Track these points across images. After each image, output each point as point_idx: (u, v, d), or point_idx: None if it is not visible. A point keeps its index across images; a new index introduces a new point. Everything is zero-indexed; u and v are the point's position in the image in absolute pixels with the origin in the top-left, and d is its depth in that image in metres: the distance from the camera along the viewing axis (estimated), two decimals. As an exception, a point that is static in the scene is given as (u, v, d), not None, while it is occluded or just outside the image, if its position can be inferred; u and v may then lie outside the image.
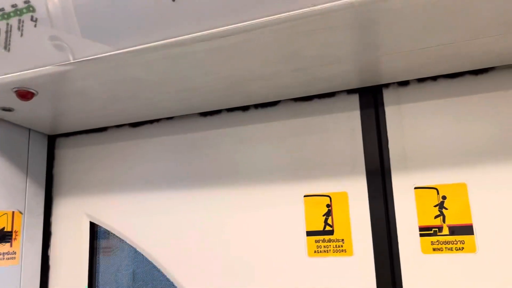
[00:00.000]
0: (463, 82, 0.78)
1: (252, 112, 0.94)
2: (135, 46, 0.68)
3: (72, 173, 1.10)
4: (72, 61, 0.72)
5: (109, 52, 0.70)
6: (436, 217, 0.77)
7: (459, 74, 0.78)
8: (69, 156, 1.11)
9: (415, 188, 0.79)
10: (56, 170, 1.12)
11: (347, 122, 0.85)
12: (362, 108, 0.85)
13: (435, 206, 0.77)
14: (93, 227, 1.07)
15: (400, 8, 0.57)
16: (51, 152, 1.13)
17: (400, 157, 0.80)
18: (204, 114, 0.98)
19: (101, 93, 0.85)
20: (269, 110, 0.93)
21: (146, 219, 0.99)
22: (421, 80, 0.81)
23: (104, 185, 1.06)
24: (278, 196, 0.89)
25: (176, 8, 0.63)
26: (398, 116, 0.82)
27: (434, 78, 0.80)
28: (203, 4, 0.61)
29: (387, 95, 0.83)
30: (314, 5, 0.57)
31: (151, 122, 1.03)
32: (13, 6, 0.74)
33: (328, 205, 0.84)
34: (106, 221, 1.04)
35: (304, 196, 0.86)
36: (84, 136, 1.10)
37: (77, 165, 1.10)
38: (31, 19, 0.71)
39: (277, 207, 0.88)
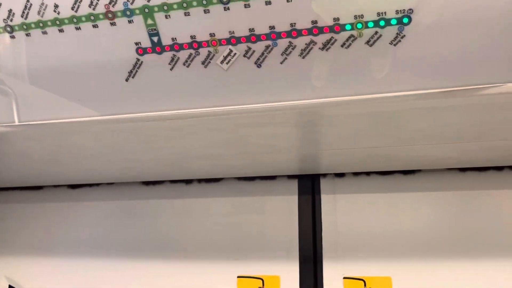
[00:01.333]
0: (393, 180, 0.84)
1: (194, 186, 0.95)
2: (84, 117, 0.69)
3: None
4: (17, 124, 0.71)
5: (56, 119, 0.70)
6: (362, 308, 0.80)
7: (389, 172, 0.84)
8: (-2, 212, 1.06)
9: (344, 278, 0.81)
10: (-19, 226, 1.05)
11: (286, 206, 0.88)
12: (300, 193, 0.88)
13: (361, 297, 0.80)
14: (12, 291, 1.00)
15: (337, 115, 0.63)
16: (-22, 206, 1.07)
17: (332, 246, 0.83)
18: (147, 183, 0.98)
19: (43, 155, 0.83)
20: (212, 185, 0.94)
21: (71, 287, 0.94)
22: (356, 174, 0.86)
23: (31, 246, 1.01)
24: (212, 274, 0.88)
25: (129, 88, 0.65)
26: (332, 206, 0.86)
27: (368, 173, 0.86)
28: (155, 88, 0.64)
29: (324, 184, 0.88)
30: (261, 103, 0.62)
31: (90, 185, 1.02)
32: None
33: (260, 288, 0.85)
34: (26, 287, 0.98)
35: (238, 276, 0.86)
36: (17, 192, 1.06)
37: (5, 222, 1.04)
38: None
39: (210, 286, 0.87)
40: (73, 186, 1.02)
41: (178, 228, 0.93)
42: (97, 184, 1.01)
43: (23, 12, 0.60)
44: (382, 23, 0.52)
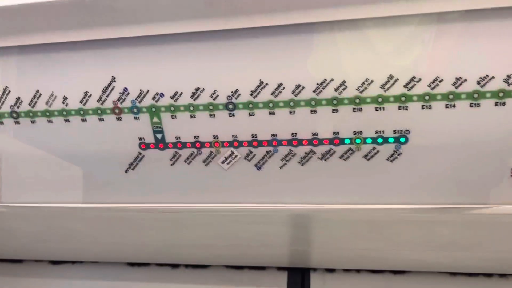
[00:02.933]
0: (383, 279, 0.83)
1: (181, 271, 0.93)
2: (75, 203, 0.69)
3: (-31, 305, 0.99)
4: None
5: (49, 203, 0.69)
6: None
7: (380, 271, 0.84)
8: (-29, 285, 1.01)
9: None
10: (-48, 299, 1.00)
11: (274, 299, 0.86)
12: (289, 286, 0.87)
13: None
14: None
15: (332, 220, 0.64)
16: (-49, 276, 1.03)
17: None
18: (132, 264, 0.96)
19: (27, 234, 0.81)
20: (199, 271, 0.92)
21: None
22: (346, 270, 0.86)
23: (3, 325, 0.95)
24: None
25: (127, 179, 0.65)
26: (322, 301, 0.84)
27: (358, 271, 0.85)
28: (154, 181, 0.65)
29: (314, 278, 0.86)
30: (258, 204, 0.62)
31: (73, 262, 0.98)
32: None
33: None
34: None
35: None
36: (-5, 264, 1.02)
37: (-23, 297, 0.99)
38: (-24, 159, 0.71)
39: None
40: (55, 262, 0.99)
41: (160, 314, 0.89)
42: (80, 262, 0.98)
43: (31, 101, 0.61)
44: (380, 140, 0.54)
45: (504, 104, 0.49)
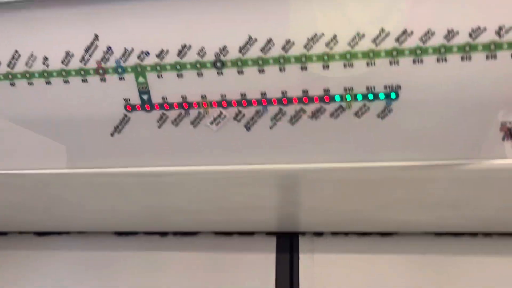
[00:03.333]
0: (370, 241, 0.85)
1: (170, 239, 0.93)
2: (60, 169, 0.67)
3: (-47, 279, 0.97)
4: None
5: (32, 170, 0.67)
6: None
7: (367, 233, 0.85)
8: (-46, 259, 0.99)
9: None
10: None
11: (263, 263, 0.87)
12: (278, 251, 0.87)
13: None
14: None
15: (321, 180, 0.64)
16: None
17: (309, 307, 0.82)
18: (119, 233, 0.95)
19: (12, 203, 0.79)
20: (188, 239, 0.92)
21: None
22: (334, 234, 0.86)
23: (-10, 297, 0.94)
24: (183, 333, 0.84)
25: (113, 143, 0.64)
26: (310, 264, 0.85)
27: (346, 233, 0.86)
28: (141, 144, 0.63)
29: (303, 242, 0.87)
30: (248, 165, 0.62)
31: (59, 233, 0.97)
32: None
33: None
34: None
35: (211, 337, 0.83)
36: (-22, 238, 1.00)
37: (-39, 270, 0.98)
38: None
39: None
40: (41, 234, 0.98)
41: (151, 282, 0.89)
42: (67, 233, 0.97)
43: (10, 62, 0.59)
44: (370, 96, 0.54)
45: (495, 57, 0.49)
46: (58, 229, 0.97)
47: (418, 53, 0.50)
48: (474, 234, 0.81)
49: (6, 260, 0.97)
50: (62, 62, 0.58)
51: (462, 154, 0.56)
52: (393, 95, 0.53)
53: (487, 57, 0.49)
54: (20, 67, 0.59)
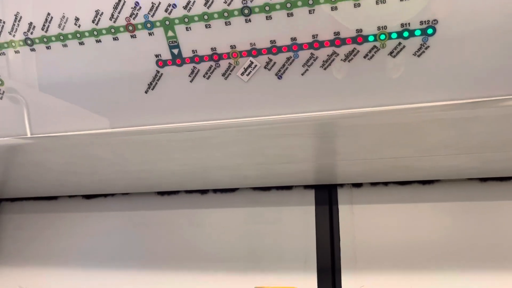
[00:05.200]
0: (411, 190, 0.83)
1: (210, 196, 0.95)
2: (100, 129, 0.69)
3: (14, 241, 1.04)
4: (28, 136, 0.71)
5: (73, 131, 0.70)
6: (382, 320, 0.78)
7: (408, 182, 0.83)
8: (14, 222, 1.06)
9: (363, 289, 0.80)
10: (-4, 236, 1.06)
11: (302, 217, 0.88)
12: (317, 204, 0.88)
13: (381, 310, 0.79)
14: (27, 302, 0.99)
15: (358, 125, 0.62)
16: (-7, 216, 1.08)
17: (351, 257, 0.82)
18: (161, 193, 0.98)
19: (58, 166, 0.83)
20: (227, 195, 0.94)
21: (86, 298, 0.94)
22: (373, 184, 0.85)
23: (47, 256, 1.00)
24: (228, 285, 0.87)
25: (148, 100, 0.64)
26: (350, 216, 0.85)
27: (386, 184, 0.85)
28: (175, 99, 0.64)
29: (341, 194, 0.87)
30: (282, 115, 0.61)
31: (105, 195, 1.01)
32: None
33: (277, 300, 0.84)
34: (42, 297, 0.97)
35: (255, 287, 0.86)
36: (32, 202, 1.06)
37: (20, 233, 1.04)
38: (-2, 92, 0.71)
39: (226, 297, 0.86)
40: (88, 197, 1.02)
41: (193, 238, 0.92)
42: (112, 194, 1.01)
43: (44, 25, 0.60)
44: (405, 34, 0.51)
45: (542, -21, 0.45)
46: (104, 192, 1.01)
47: (456, -18, 0.47)
48: (522, 178, 0.78)
49: (58, 222, 1.03)
50: (93, 22, 0.58)
51: (505, 90, 0.53)
52: (429, 31, 0.51)
53: (534, -21, 0.45)
54: (53, 29, 0.60)
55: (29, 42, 0.62)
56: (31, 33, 0.61)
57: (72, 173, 0.87)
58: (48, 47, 0.62)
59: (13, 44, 0.63)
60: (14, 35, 0.62)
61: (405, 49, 0.53)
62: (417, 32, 0.51)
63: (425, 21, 0.50)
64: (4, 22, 0.61)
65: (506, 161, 0.70)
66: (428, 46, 0.52)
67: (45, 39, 0.61)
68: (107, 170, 0.85)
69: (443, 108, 0.55)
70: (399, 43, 0.52)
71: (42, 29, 0.60)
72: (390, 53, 0.53)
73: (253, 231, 0.90)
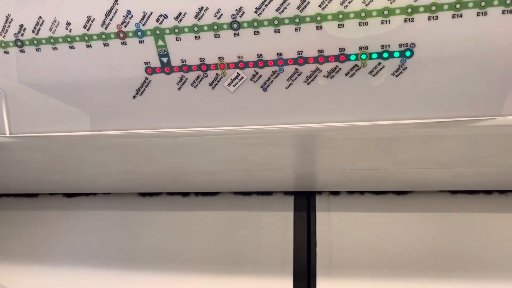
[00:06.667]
0: (386, 200, 0.87)
1: (191, 199, 0.97)
2: (85, 131, 0.70)
3: (-10, 237, 1.04)
4: (7, 135, 0.72)
5: (56, 132, 0.71)
6: (353, 324, 0.81)
7: (383, 192, 0.87)
8: (-9, 219, 1.05)
9: (337, 294, 0.83)
10: (-27, 232, 1.05)
11: (281, 222, 0.90)
12: (296, 210, 0.90)
13: (353, 315, 0.82)
14: (3, 299, 0.99)
15: (337, 138, 0.65)
16: (-29, 211, 1.07)
17: (326, 262, 0.85)
18: (143, 194, 0.99)
19: (41, 165, 0.84)
20: (209, 199, 0.96)
21: (64, 297, 0.95)
22: (350, 193, 0.89)
23: (26, 254, 1.00)
24: (207, 287, 0.89)
25: (135, 105, 0.66)
26: (327, 222, 0.88)
27: (362, 193, 0.88)
28: (162, 106, 0.65)
29: (320, 201, 0.90)
30: (265, 125, 0.64)
31: (86, 194, 1.02)
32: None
33: (254, 303, 0.86)
34: (19, 294, 0.97)
35: (232, 290, 0.88)
36: (11, 199, 1.06)
37: (-2, 229, 1.04)
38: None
39: (204, 299, 0.88)
40: (69, 195, 1.03)
41: (173, 240, 0.94)
42: (94, 194, 1.01)
43: (35, 28, 0.61)
44: (385, 55, 0.55)
45: (511, 12, 0.49)
46: (85, 191, 1.01)
47: (433, 10, 0.50)
48: (489, 192, 0.82)
49: (37, 220, 1.03)
50: (84, 27, 0.60)
51: (477, 111, 0.57)
52: (407, 53, 0.54)
53: (503, 12, 0.49)
54: (44, 32, 0.61)
55: (19, 43, 0.63)
56: (22, 35, 0.62)
57: (54, 172, 0.88)
58: (38, 49, 0.63)
59: (3, 44, 0.64)
60: (4, 36, 0.63)
61: (385, 69, 0.56)
62: (396, 54, 0.54)
63: (403, 44, 0.54)
64: (-6, 23, 0.62)
65: (475, 176, 0.74)
66: (406, 67, 0.55)
67: (35, 41, 0.62)
68: (90, 171, 0.86)
69: (417, 126, 0.58)
70: (379, 63, 0.55)
71: (33, 31, 0.61)
72: (370, 72, 0.56)
73: (233, 234, 0.92)
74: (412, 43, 0.53)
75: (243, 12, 0.54)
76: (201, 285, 0.89)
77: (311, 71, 0.58)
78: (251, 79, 0.60)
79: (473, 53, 0.52)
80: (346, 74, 0.57)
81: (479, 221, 0.82)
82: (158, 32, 0.58)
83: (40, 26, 0.61)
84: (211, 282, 0.89)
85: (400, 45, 0.54)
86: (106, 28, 0.59)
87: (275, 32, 0.55)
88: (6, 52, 0.64)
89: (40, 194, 1.04)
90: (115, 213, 0.99)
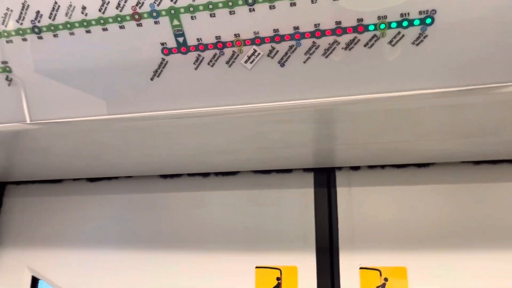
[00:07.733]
0: (407, 173, 0.86)
1: (212, 179, 0.97)
2: (105, 115, 0.71)
3: (19, 223, 1.07)
4: (28, 122, 0.73)
5: (77, 118, 0.71)
6: (378, 297, 0.82)
7: (404, 165, 0.86)
8: (18, 205, 1.08)
9: (360, 268, 0.84)
10: (3, 218, 1.08)
11: (302, 198, 0.90)
12: (316, 186, 0.90)
13: (377, 287, 0.82)
14: (35, 282, 1.02)
15: (357, 112, 0.65)
16: (-1, 199, 1.10)
17: (348, 237, 0.86)
18: (164, 176, 1.00)
19: (64, 151, 0.85)
20: (229, 178, 0.96)
21: (92, 278, 0.97)
22: (371, 167, 0.88)
23: (52, 238, 1.03)
24: (230, 265, 0.90)
25: (154, 87, 0.66)
26: (348, 198, 0.88)
27: (383, 166, 0.87)
28: (179, 86, 0.66)
29: (340, 177, 0.89)
30: (284, 102, 0.63)
31: (109, 178, 1.04)
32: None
33: (278, 278, 0.87)
34: (49, 277, 1.00)
35: (256, 267, 0.89)
36: (37, 186, 1.08)
37: (25, 215, 1.07)
38: (6, 79, 0.72)
39: (229, 276, 0.90)
40: (92, 180, 1.05)
41: (196, 220, 0.95)
42: (116, 177, 1.03)
43: (51, 14, 0.61)
44: (405, 23, 0.53)
45: (537, -29, 0.47)
46: (108, 175, 1.03)
47: (454, -26, 0.49)
48: (513, 161, 0.81)
49: (62, 205, 1.05)
50: (100, 10, 0.60)
51: (501, 77, 0.55)
52: (428, 20, 0.53)
53: (528, -28, 0.47)
54: (60, 18, 0.61)
55: (36, 30, 0.63)
56: (39, 22, 0.63)
57: (77, 157, 0.89)
58: (55, 35, 0.63)
59: (21, 32, 0.64)
60: (21, 23, 0.63)
61: (404, 38, 0.55)
62: (416, 22, 0.53)
63: (424, 11, 0.52)
64: (11, 11, 0.62)
65: (498, 144, 0.73)
66: (427, 35, 0.54)
67: (52, 27, 0.63)
68: (111, 155, 0.87)
69: (439, 95, 0.57)
70: (399, 32, 0.54)
71: (50, 17, 0.62)
72: (390, 42, 0.55)
73: (254, 212, 0.93)
74: (433, 10, 0.52)
75: (258, -14, 0.54)
76: (225, 263, 0.90)
77: (329, 44, 0.57)
78: (268, 55, 0.60)
79: (492, 17, 0.51)
80: (365, 45, 0.56)
81: (503, 190, 0.80)
82: (173, 11, 0.58)
83: (56, 11, 0.61)
84: (234, 259, 0.90)
85: (420, 13, 0.52)
86: (121, 10, 0.59)
87: (290, 6, 0.54)
88: (25, 40, 0.65)
89: (64, 180, 1.07)
90: (138, 196, 1.01)
